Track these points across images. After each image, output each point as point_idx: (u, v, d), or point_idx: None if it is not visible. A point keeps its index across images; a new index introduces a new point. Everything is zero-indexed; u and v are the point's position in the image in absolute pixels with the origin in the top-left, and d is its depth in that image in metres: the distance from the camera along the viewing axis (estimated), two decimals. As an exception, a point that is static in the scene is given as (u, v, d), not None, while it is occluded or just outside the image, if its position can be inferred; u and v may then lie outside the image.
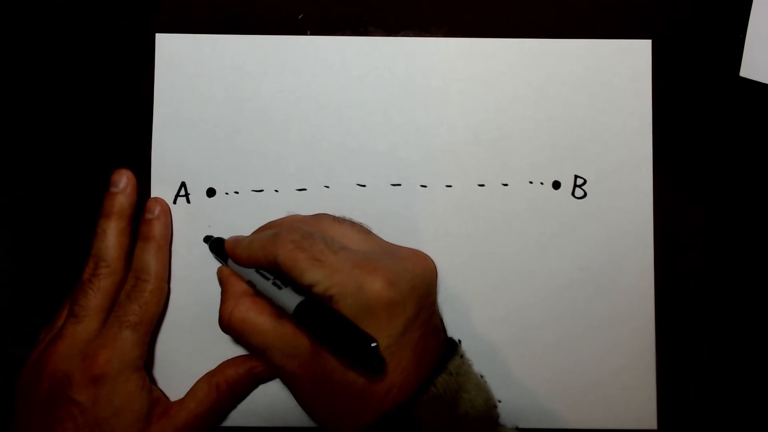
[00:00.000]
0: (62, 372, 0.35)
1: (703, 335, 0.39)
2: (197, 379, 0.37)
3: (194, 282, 0.39)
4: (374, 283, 0.31)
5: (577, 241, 0.39)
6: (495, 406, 0.34)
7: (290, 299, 0.32)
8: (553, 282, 0.39)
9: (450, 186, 0.39)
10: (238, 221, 0.39)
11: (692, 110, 0.40)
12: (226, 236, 0.38)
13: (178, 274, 0.39)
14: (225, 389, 0.37)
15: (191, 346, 0.39)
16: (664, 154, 0.39)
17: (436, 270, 0.34)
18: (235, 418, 0.38)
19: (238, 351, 0.38)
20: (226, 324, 0.34)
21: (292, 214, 0.38)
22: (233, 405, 0.38)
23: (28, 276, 0.40)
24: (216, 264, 0.38)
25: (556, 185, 0.39)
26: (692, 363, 0.39)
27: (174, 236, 0.39)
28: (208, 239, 0.39)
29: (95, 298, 0.36)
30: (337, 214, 0.38)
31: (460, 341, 0.38)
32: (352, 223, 0.36)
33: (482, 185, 0.39)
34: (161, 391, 0.38)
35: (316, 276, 0.31)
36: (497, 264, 0.39)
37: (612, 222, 0.39)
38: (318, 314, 0.31)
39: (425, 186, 0.39)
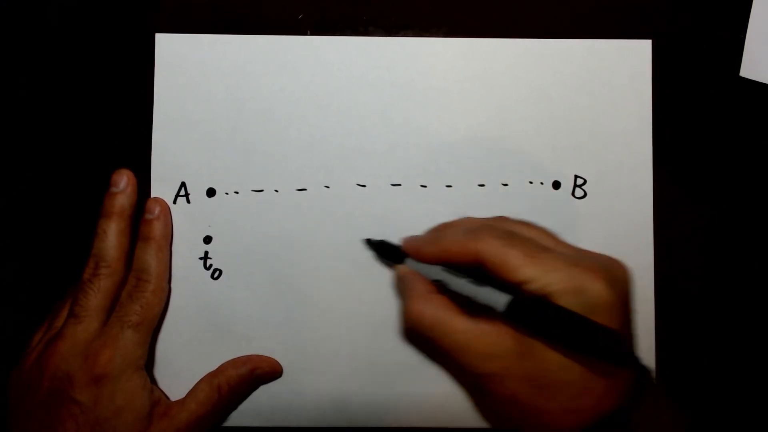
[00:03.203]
0: (63, 372, 0.35)
1: (703, 335, 0.39)
2: (197, 379, 0.38)
3: (194, 282, 0.39)
4: (595, 284, 0.30)
5: (577, 241, 0.39)
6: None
7: (497, 297, 0.31)
8: (553, 282, 0.39)
9: (450, 186, 0.39)
10: (238, 221, 0.39)
11: (692, 110, 0.40)
12: (226, 237, 0.38)
13: (178, 274, 0.39)
14: (226, 390, 0.37)
15: (191, 346, 0.39)
16: (664, 154, 0.39)
17: (632, 277, 0.33)
18: (235, 418, 0.38)
19: (239, 351, 0.38)
20: (416, 322, 0.32)
21: (463, 215, 0.37)
22: (234, 406, 0.38)
23: (28, 276, 0.40)
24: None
25: (556, 185, 0.39)
26: (692, 363, 0.39)
27: (174, 236, 0.39)
28: (369, 242, 0.38)
29: (96, 298, 0.36)
30: (337, 214, 0.39)
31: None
32: (536, 226, 0.35)
33: (482, 185, 0.39)
34: (162, 391, 0.38)
35: (533, 272, 0.30)
36: (497, 264, 0.39)
37: (612, 222, 0.39)
38: (543, 311, 0.29)
39: (425, 186, 0.39)
